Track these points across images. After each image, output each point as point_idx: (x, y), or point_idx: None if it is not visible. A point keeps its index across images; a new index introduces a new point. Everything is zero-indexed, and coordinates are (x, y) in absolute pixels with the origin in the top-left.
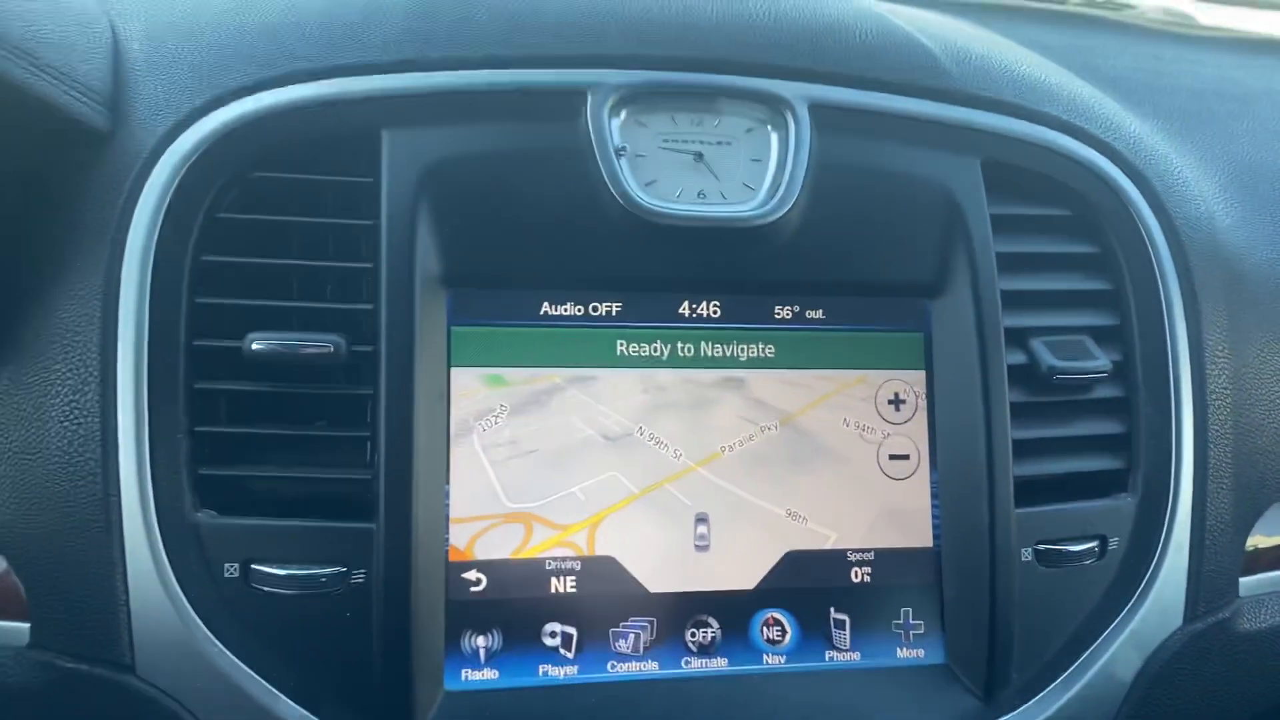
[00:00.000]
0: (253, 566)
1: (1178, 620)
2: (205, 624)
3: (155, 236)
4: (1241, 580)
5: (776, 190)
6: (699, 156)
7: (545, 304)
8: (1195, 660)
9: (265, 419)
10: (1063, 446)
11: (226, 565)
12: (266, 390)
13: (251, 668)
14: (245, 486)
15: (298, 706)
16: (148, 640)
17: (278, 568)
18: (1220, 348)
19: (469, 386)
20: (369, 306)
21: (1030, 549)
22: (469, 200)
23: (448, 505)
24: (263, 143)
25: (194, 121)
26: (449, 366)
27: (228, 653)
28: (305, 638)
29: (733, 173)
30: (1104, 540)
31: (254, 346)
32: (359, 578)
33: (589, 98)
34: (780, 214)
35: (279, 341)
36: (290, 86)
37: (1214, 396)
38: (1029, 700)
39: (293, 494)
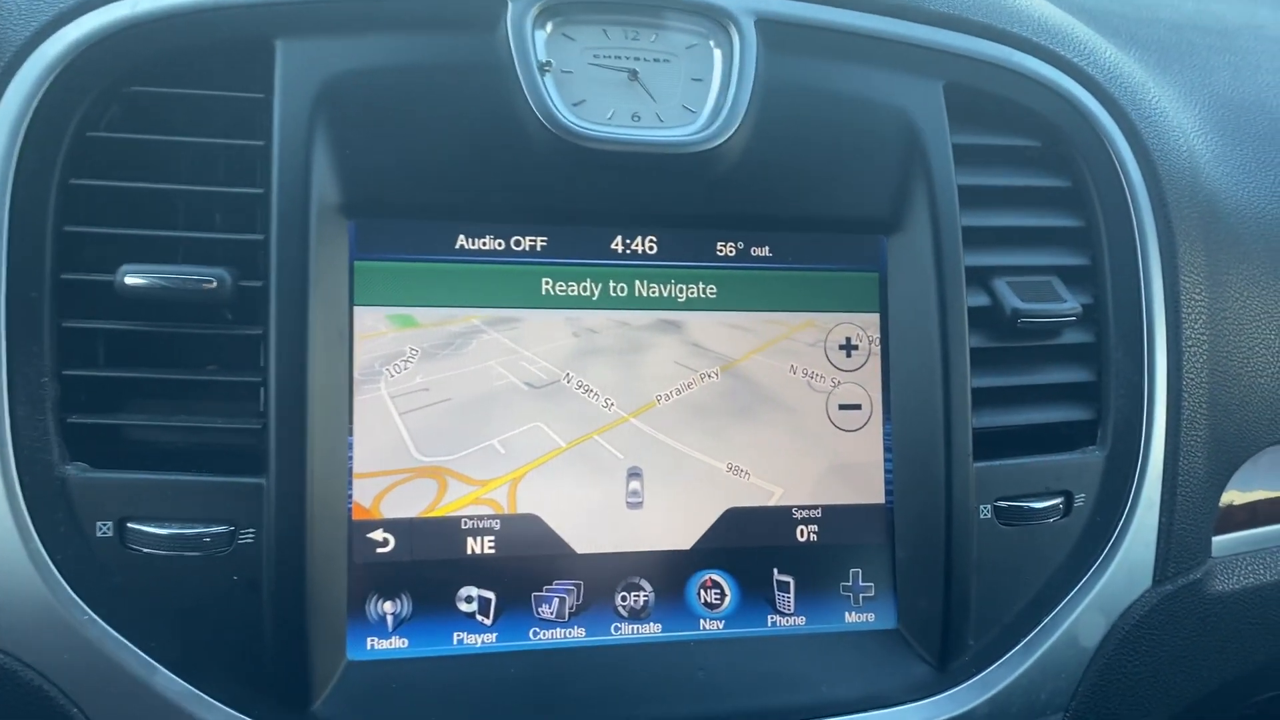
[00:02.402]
0: (128, 525)
1: (1146, 581)
2: (73, 589)
3: (15, 158)
4: (1214, 539)
5: (719, 113)
6: (633, 75)
7: (461, 237)
8: (1164, 624)
9: (143, 362)
10: (1026, 396)
11: (99, 524)
12: (143, 330)
13: (126, 637)
14: (120, 436)
15: (179, 679)
16: (7, 607)
17: (157, 526)
18: (1197, 290)
19: (374, 327)
20: (259, 237)
21: (989, 506)
22: (373, 120)
23: (350, 459)
24: (140, 52)
25: (60, 27)
26: (351, 305)
27: (99, 620)
28: (188, 604)
29: (671, 93)
30: (1069, 496)
31: (128, 280)
32: (248, 537)
33: (509, 5)
34: (723, 139)
35: (156, 275)
36: None
37: (1190, 343)
38: (986, 668)
39: (174, 445)
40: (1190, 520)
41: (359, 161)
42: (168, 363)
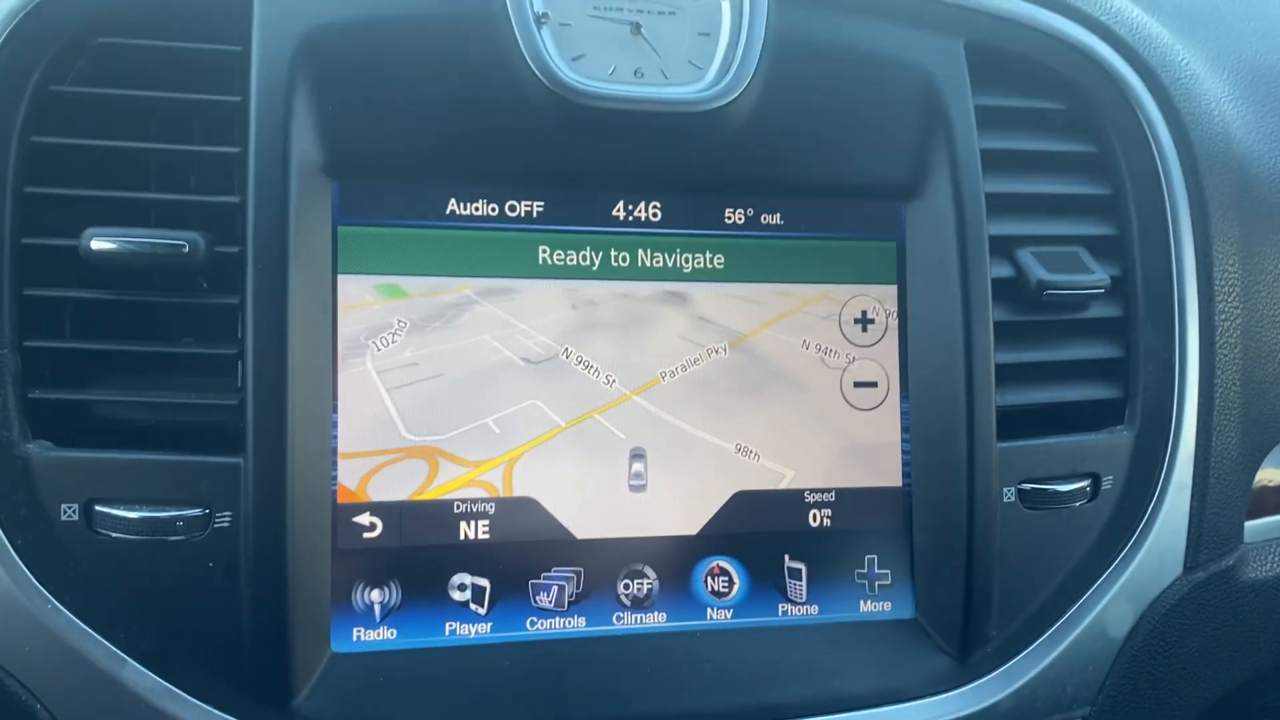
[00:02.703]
0: (96, 508)
1: (1177, 569)
2: (36, 576)
3: None
4: (1246, 524)
5: (728, 70)
6: (636, 28)
7: (452, 202)
8: (1195, 613)
9: (111, 333)
10: (1052, 372)
11: (64, 506)
12: (111, 299)
13: (93, 628)
14: (86, 413)
15: (149, 673)
16: None
17: (126, 509)
18: (1230, 262)
19: (360, 298)
20: (235, 199)
21: (1013, 489)
22: (357, 74)
23: (334, 437)
24: (108, 2)
25: None
26: (335, 273)
27: (63, 609)
28: (160, 592)
29: (676, 48)
30: (1096, 479)
31: (94, 245)
32: (224, 521)
33: None
34: (731, 98)
35: (125, 239)
36: None
37: (1222, 317)
38: (1009, 660)
39: (144, 422)
40: (1222, 504)
41: (342, 119)
42: (138, 334)
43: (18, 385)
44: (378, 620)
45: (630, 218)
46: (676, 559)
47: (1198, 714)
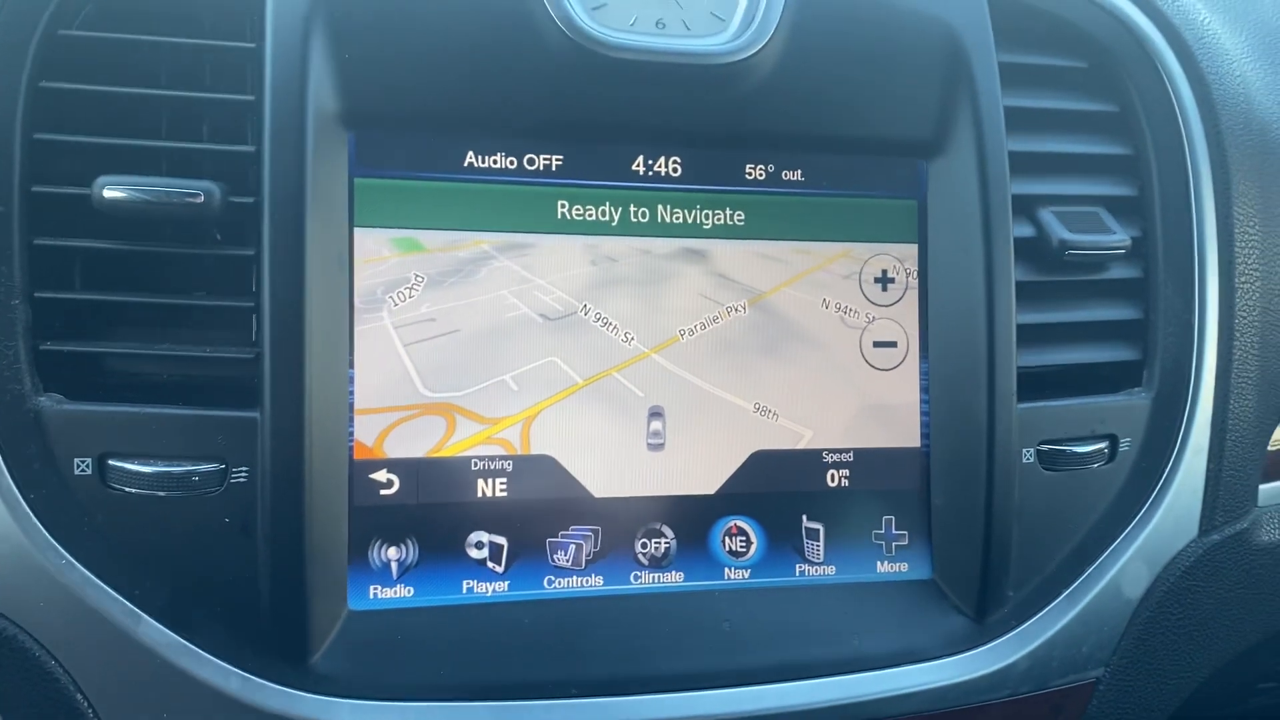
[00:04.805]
0: (110, 462)
1: (1193, 531)
2: (49, 531)
3: None
4: (1260, 487)
5: (751, 22)
6: None
7: (470, 154)
8: (1209, 575)
9: (123, 284)
10: (1071, 333)
11: (77, 461)
12: (124, 249)
13: (108, 584)
14: (99, 366)
15: (166, 630)
16: None
17: (141, 464)
18: (1251, 224)
19: (377, 251)
20: (250, 149)
21: (1032, 450)
22: (375, 21)
23: (351, 393)
24: None
25: None
26: (351, 226)
27: (78, 565)
28: (175, 549)
29: None
30: (1114, 441)
31: (106, 193)
32: (240, 476)
33: None
34: (754, 50)
35: (137, 188)
36: None
37: (1242, 279)
38: (1026, 621)
39: (158, 376)
40: (1238, 467)
41: (359, 67)
42: (151, 286)
43: (29, 337)
44: (394, 578)
45: (650, 173)
46: (694, 518)
47: (1208, 675)
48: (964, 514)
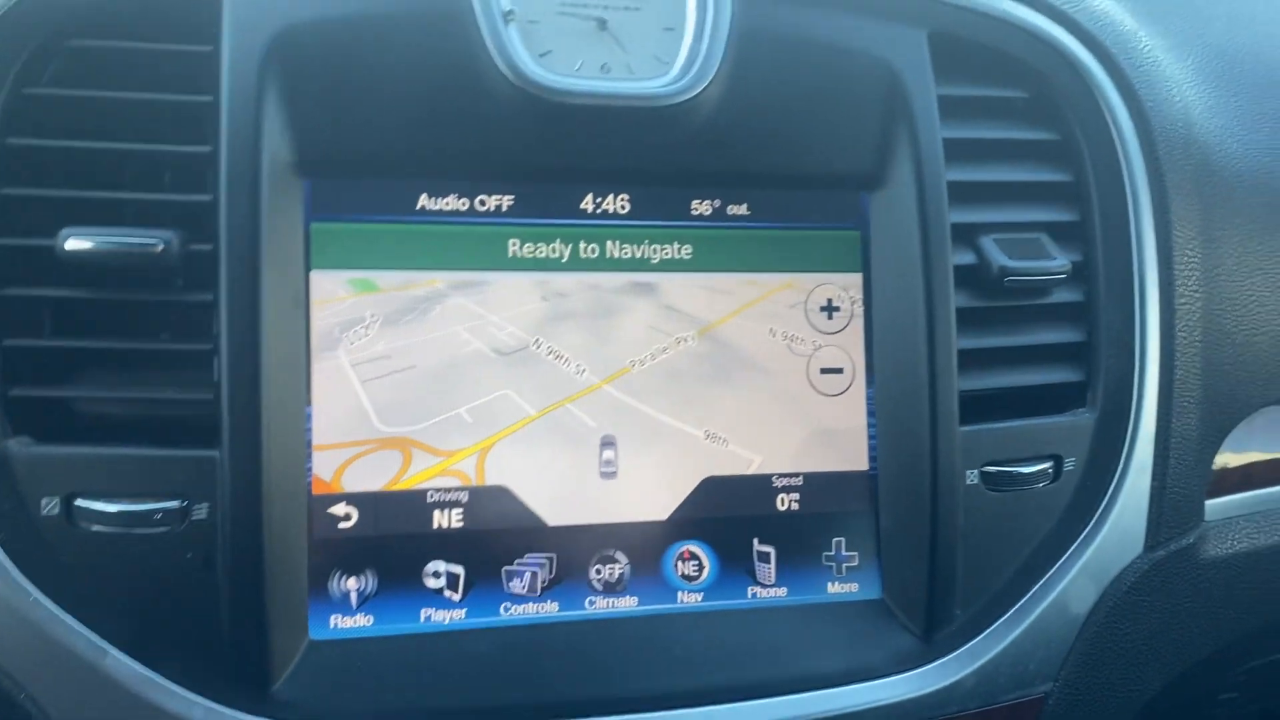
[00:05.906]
0: (76, 502)
1: (1138, 548)
2: (18, 569)
3: None
4: (1207, 503)
5: (693, 64)
6: (602, 24)
7: (423, 197)
8: (1156, 590)
9: (89, 331)
10: (1014, 357)
11: (44, 501)
12: (88, 297)
13: (76, 618)
14: (66, 409)
15: (132, 662)
16: None
17: (106, 503)
18: (1190, 246)
19: (333, 292)
20: (208, 198)
21: (976, 471)
22: (327, 73)
23: (309, 430)
24: (80, 4)
25: None
26: (307, 269)
27: (45, 601)
28: (140, 583)
29: (642, 43)
30: (1059, 460)
31: (69, 245)
32: (201, 512)
33: None
34: (697, 91)
35: (100, 238)
36: None
37: (1182, 301)
38: (973, 638)
39: (122, 418)
40: (1183, 484)
41: (313, 117)
42: (115, 332)
43: None
44: (354, 608)
45: (599, 210)
46: (647, 544)
47: (1159, 689)
48: (911, 535)
